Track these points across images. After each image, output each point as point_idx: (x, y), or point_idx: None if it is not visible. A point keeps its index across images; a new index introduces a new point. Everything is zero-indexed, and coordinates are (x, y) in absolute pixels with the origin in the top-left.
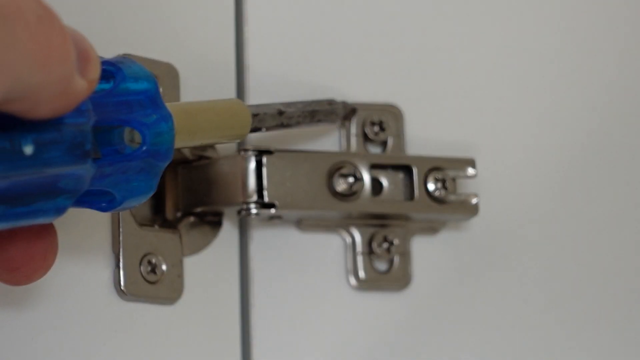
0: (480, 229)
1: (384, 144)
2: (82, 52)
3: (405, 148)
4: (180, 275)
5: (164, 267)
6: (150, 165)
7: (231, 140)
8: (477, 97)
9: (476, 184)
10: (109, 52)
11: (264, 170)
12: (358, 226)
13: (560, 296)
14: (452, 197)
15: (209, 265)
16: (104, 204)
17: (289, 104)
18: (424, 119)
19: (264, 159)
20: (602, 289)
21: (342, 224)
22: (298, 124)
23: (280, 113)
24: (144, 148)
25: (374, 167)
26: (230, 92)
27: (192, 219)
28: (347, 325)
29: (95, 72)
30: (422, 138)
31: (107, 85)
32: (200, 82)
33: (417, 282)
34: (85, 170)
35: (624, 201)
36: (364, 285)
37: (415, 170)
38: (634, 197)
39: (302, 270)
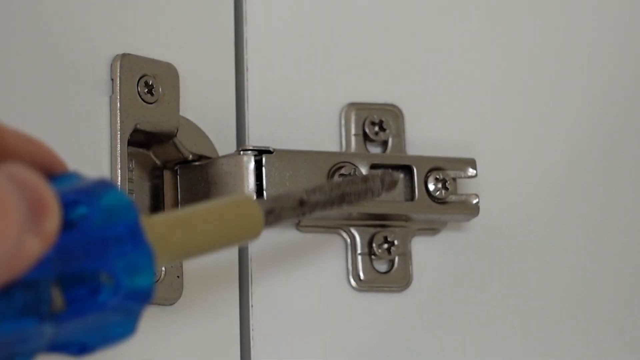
0: (480, 229)
1: (384, 144)
2: (35, 202)
3: (406, 148)
4: (179, 276)
5: (163, 268)
6: (127, 309)
7: (239, 245)
8: (477, 97)
9: (476, 184)
10: (109, 52)
11: (264, 170)
12: (358, 227)
13: (560, 296)
14: (452, 198)
15: (209, 266)
16: (74, 351)
17: (313, 190)
18: (424, 119)
19: (264, 159)
20: (602, 288)
21: (342, 224)
22: (324, 210)
23: (302, 203)
24: (119, 295)
25: (374, 167)
26: (230, 92)
27: None
28: (347, 325)
29: (53, 223)
30: (422, 138)
31: (79, 215)
32: (200, 82)
33: (418, 283)
34: (41, 334)
35: (624, 201)
36: (364, 286)
37: (415, 171)
38: (634, 197)
39: (302, 270)
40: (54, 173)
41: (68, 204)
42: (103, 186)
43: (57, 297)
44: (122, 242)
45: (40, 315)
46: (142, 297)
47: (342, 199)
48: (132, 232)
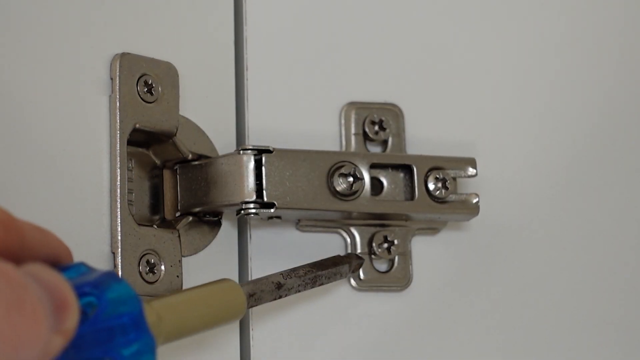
0: (480, 228)
1: (384, 143)
2: (58, 302)
3: (406, 147)
4: (179, 276)
5: (162, 267)
6: None
7: (225, 324)
8: (477, 96)
9: (476, 183)
10: (108, 51)
11: (264, 170)
12: (358, 226)
13: (560, 296)
14: (452, 197)
15: (208, 265)
16: None
17: (288, 273)
18: (424, 119)
19: (264, 158)
20: (602, 288)
21: (342, 224)
22: (298, 292)
23: (279, 286)
24: None
25: (374, 166)
26: (230, 91)
27: (190, 218)
28: (347, 325)
29: (73, 320)
30: (422, 137)
31: (88, 304)
32: (200, 81)
33: (418, 282)
34: None
35: (623, 201)
36: (364, 286)
37: (415, 170)
38: (633, 197)
39: None
40: (62, 262)
41: (79, 295)
42: (110, 278)
43: None
44: (127, 331)
45: None
46: None
47: (314, 281)
48: (136, 322)
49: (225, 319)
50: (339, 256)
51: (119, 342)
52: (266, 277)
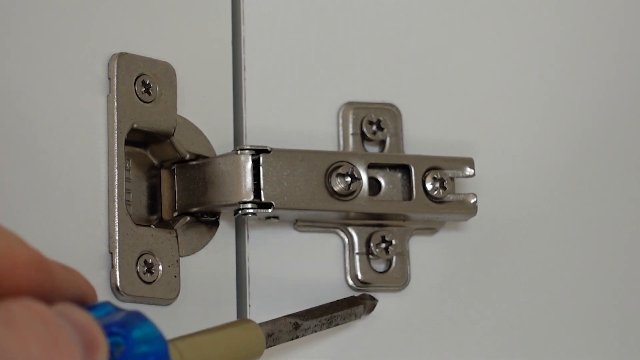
0: (478, 228)
1: (382, 143)
2: (89, 341)
3: (404, 147)
4: (177, 276)
5: (160, 267)
6: None
7: None
8: (475, 96)
9: (474, 183)
10: (106, 51)
11: (261, 170)
12: (356, 226)
13: (558, 296)
14: (450, 197)
15: (206, 265)
16: None
17: (305, 314)
18: (422, 119)
19: (261, 158)
20: (601, 288)
21: (339, 224)
22: (314, 332)
23: (296, 327)
24: None
25: (371, 166)
26: (228, 91)
27: (188, 218)
28: (345, 325)
29: (102, 359)
30: (420, 137)
31: (115, 343)
32: (197, 81)
33: (416, 282)
34: None
35: (622, 201)
36: (362, 286)
37: (413, 170)
38: (632, 197)
39: (300, 270)
40: (88, 301)
41: (106, 334)
42: (136, 318)
43: None
44: None
45: None
46: None
47: (330, 322)
48: None
49: (244, 358)
50: (353, 297)
51: None
52: (284, 318)
